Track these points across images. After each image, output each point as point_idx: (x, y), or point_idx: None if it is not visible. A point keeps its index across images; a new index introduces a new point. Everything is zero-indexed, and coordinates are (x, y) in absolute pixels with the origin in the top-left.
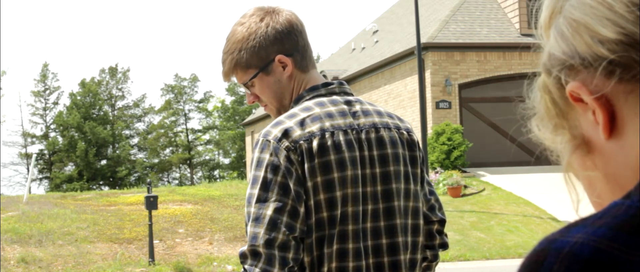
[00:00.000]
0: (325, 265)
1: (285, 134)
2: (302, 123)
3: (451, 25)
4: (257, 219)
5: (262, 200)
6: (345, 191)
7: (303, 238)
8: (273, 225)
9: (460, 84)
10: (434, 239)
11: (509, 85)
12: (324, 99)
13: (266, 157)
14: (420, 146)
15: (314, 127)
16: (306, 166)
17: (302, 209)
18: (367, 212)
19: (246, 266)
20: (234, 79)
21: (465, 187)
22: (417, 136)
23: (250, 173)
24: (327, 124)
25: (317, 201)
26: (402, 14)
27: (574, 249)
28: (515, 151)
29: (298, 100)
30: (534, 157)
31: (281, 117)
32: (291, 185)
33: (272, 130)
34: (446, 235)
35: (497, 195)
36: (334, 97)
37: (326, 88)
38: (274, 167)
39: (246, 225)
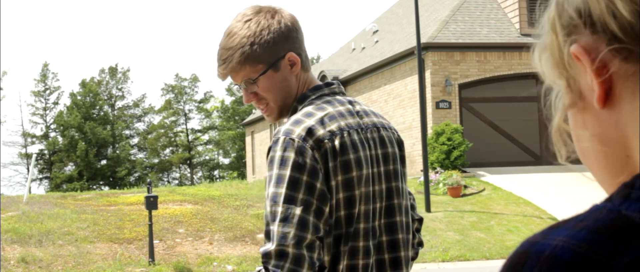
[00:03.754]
0: (340, 263)
1: (309, 132)
2: (322, 122)
3: (451, 25)
4: (285, 219)
5: (290, 199)
6: (360, 190)
7: (323, 238)
8: (302, 225)
9: (460, 84)
10: (415, 238)
11: (509, 85)
12: (331, 99)
13: (291, 156)
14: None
15: (333, 126)
16: (330, 165)
17: (326, 209)
18: (375, 211)
19: (270, 267)
20: (229, 78)
21: (465, 187)
22: (418, 135)
23: (270, 171)
24: (342, 123)
25: (338, 199)
26: (402, 14)
27: (554, 252)
28: (515, 150)
29: (302, 99)
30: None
31: (298, 116)
32: (317, 184)
33: (294, 128)
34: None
35: (497, 195)
36: (338, 97)
37: (329, 88)
38: (300, 167)
39: (268, 224)
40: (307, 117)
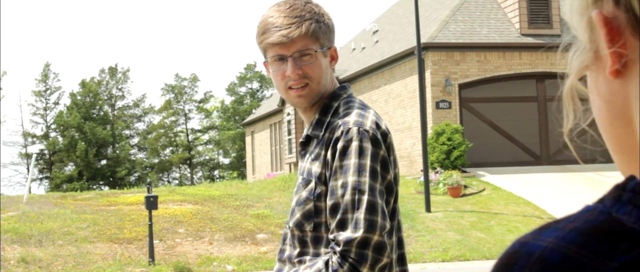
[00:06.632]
0: (394, 253)
1: (377, 126)
2: (379, 118)
3: (451, 25)
4: (372, 208)
5: (372, 189)
6: (398, 186)
7: None
8: (384, 214)
9: (460, 84)
10: None
11: (509, 85)
12: (359, 99)
13: (369, 146)
14: None
15: (384, 123)
16: (391, 158)
17: (391, 200)
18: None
19: (352, 255)
20: (274, 50)
21: (465, 187)
22: (418, 135)
23: (346, 161)
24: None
25: (395, 191)
26: (402, 14)
27: (544, 254)
28: (515, 150)
29: (335, 97)
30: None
31: (357, 110)
32: (387, 176)
33: (364, 121)
34: None
35: (497, 195)
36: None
37: (350, 88)
38: (376, 157)
39: (345, 212)
40: (366, 112)
